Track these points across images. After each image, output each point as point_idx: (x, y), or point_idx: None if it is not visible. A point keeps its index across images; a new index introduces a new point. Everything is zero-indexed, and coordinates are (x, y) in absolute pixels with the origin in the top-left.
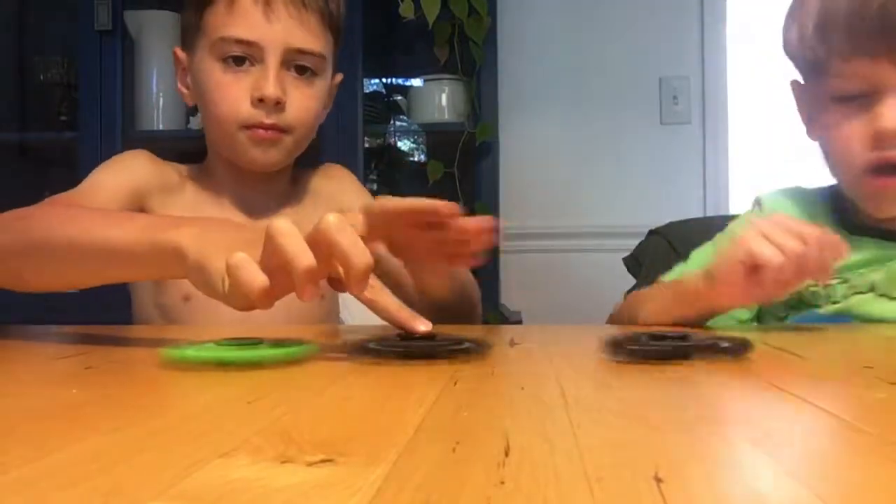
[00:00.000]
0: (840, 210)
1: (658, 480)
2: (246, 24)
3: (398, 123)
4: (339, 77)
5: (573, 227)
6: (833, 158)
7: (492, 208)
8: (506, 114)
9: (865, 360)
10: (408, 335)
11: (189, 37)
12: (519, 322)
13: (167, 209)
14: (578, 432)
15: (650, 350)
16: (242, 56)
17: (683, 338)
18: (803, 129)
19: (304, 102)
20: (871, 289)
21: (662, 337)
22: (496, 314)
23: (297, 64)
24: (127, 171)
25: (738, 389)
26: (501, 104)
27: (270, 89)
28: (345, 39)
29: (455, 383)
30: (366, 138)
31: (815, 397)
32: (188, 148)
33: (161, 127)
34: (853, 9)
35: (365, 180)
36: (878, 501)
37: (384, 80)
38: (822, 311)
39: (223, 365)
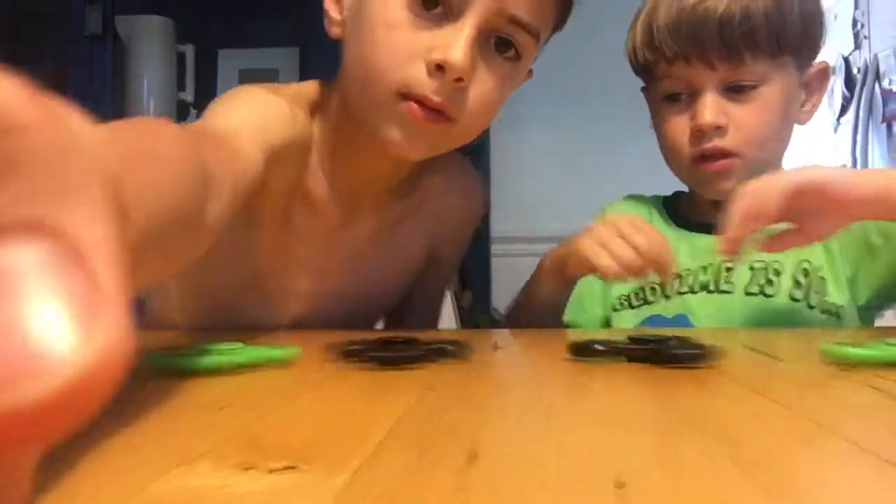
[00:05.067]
0: (671, 211)
1: (620, 485)
2: None
3: None
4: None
5: (567, 230)
6: (665, 152)
7: None
8: (497, 117)
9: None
10: (390, 340)
11: None
12: None
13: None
14: (550, 437)
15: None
16: None
17: (657, 342)
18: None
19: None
20: (703, 287)
21: (638, 340)
22: (487, 318)
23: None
24: (269, 128)
25: (715, 393)
26: None
27: (460, 54)
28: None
29: (432, 388)
30: None
31: (793, 402)
32: None
33: None
34: (671, 17)
35: None
36: None
37: None
38: (665, 312)
39: (198, 370)
